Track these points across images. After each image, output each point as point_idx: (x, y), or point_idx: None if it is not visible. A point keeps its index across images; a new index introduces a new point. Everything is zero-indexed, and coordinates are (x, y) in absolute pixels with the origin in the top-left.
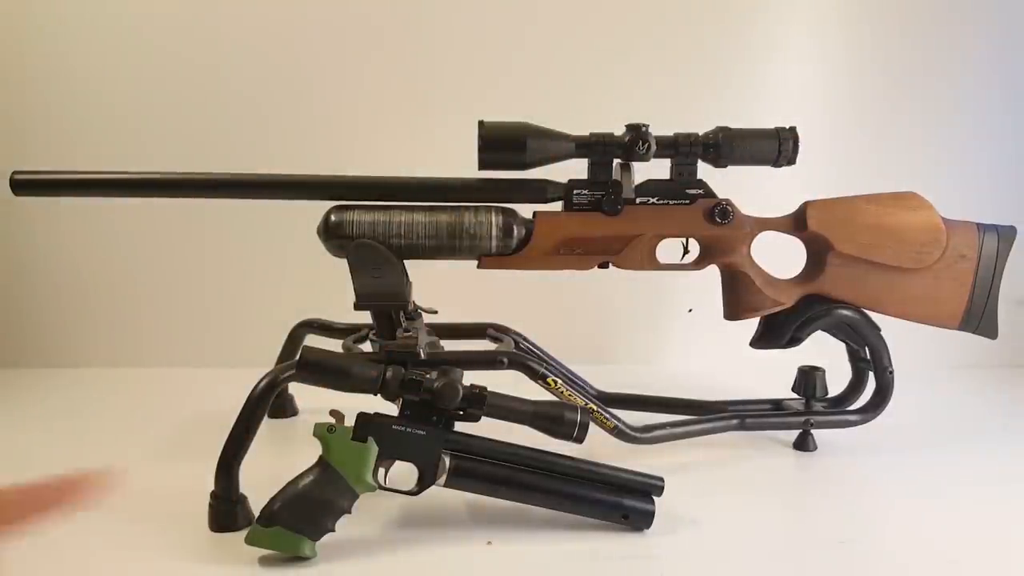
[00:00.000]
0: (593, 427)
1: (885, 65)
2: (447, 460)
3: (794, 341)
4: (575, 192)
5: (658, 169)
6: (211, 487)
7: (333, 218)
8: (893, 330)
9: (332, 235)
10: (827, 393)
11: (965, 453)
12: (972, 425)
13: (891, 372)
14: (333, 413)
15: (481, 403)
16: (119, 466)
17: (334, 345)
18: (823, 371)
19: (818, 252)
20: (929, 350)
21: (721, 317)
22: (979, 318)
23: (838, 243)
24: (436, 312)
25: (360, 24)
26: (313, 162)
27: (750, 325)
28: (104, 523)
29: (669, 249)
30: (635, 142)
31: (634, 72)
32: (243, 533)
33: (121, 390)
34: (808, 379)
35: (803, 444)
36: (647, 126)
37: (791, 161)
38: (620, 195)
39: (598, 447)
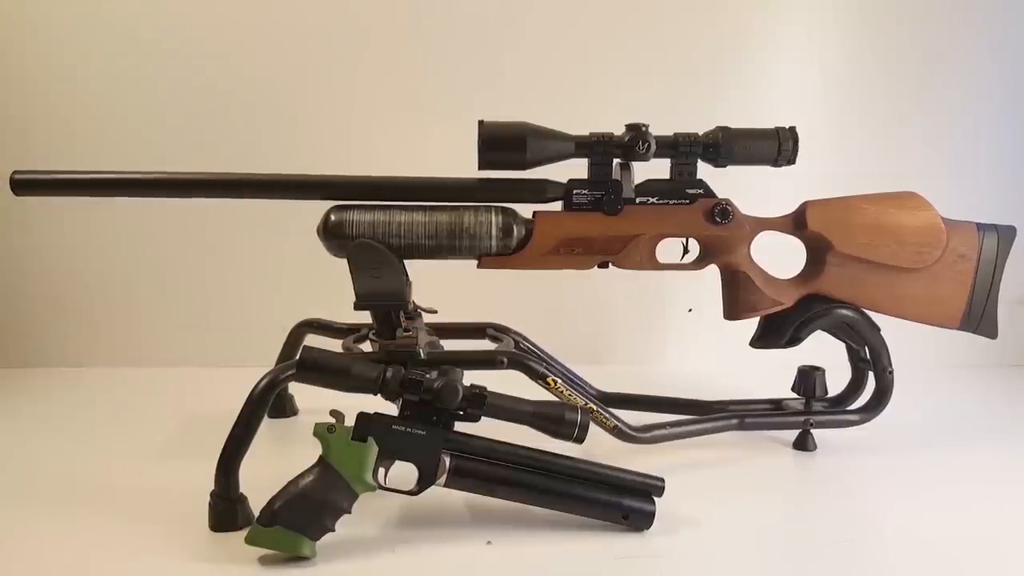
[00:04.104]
0: (593, 427)
1: (885, 65)
2: (447, 460)
3: (794, 341)
4: (575, 192)
5: (658, 169)
6: (211, 487)
7: (333, 218)
8: (893, 330)
9: (332, 235)
10: (827, 393)
11: (965, 453)
12: (972, 425)
13: (891, 372)
14: (333, 413)
15: (481, 403)
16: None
17: (334, 345)
18: (823, 371)
19: (818, 252)
20: (929, 350)
21: (721, 317)
22: (979, 318)
23: (838, 243)
24: (436, 312)
25: (360, 24)
26: (313, 162)
27: (750, 325)
28: (105, 523)
29: (669, 249)
30: (635, 142)
31: (634, 72)
32: (243, 533)
33: (121, 390)
34: (808, 379)
35: (803, 444)
36: (647, 126)
37: (791, 161)
38: (620, 195)
39: (598, 447)
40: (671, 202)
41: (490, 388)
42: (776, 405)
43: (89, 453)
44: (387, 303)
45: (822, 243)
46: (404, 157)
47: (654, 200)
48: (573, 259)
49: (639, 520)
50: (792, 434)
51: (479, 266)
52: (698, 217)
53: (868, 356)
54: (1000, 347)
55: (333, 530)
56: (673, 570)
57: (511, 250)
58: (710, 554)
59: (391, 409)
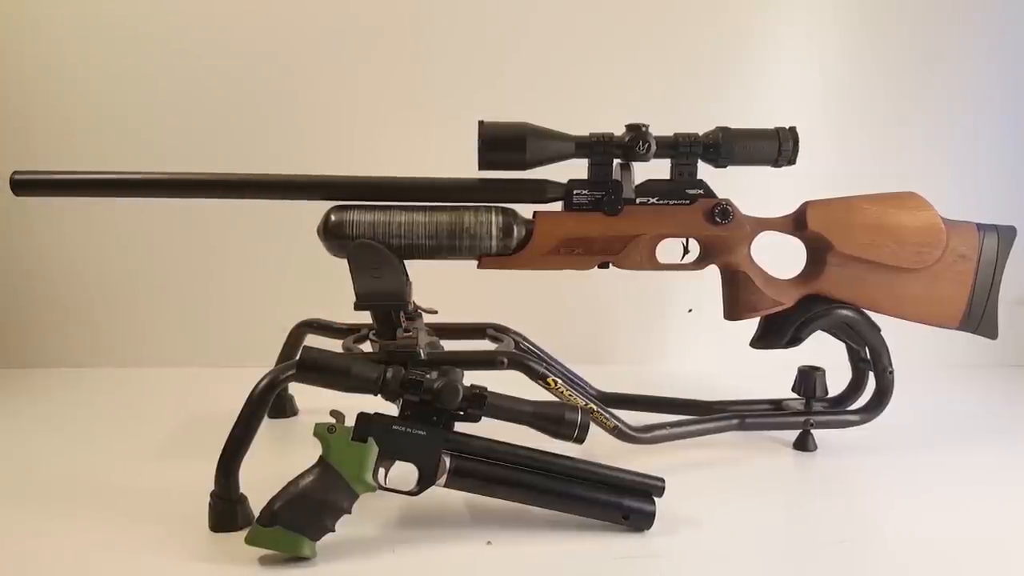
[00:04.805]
0: (593, 427)
1: (885, 65)
2: (447, 460)
3: (794, 341)
4: (575, 192)
5: (658, 169)
6: (211, 487)
7: (333, 218)
8: (893, 330)
9: (332, 235)
10: (827, 393)
11: (965, 453)
12: (972, 425)
13: (891, 372)
14: (333, 413)
15: (481, 403)
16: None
17: (334, 345)
18: (823, 371)
19: (818, 252)
20: (929, 350)
21: (721, 317)
22: (979, 318)
23: (838, 243)
24: (436, 312)
25: (360, 24)
26: (313, 162)
27: (750, 325)
28: (105, 523)
29: (669, 249)
30: (635, 142)
31: (634, 72)
32: (243, 533)
33: (121, 390)
34: (808, 379)
35: (803, 444)
36: (647, 126)
37: (791, 161)
38: (620, 195)
39: (598, 447)
40: (671, 202)
41: (490, 388)
42: (776, 405)
43: (89, 453)
44: (387, 303)
45: (822, 243)
46: (404, 157)
47: (654, 200)
48: (573, 259)
49: (639, 520)
50: (792, 434)
51: (479, 266)
52: (698, 217)
53: (868, 356)
54: (1000, 347)
55: (333, 530)
56: (673, 570)
57: (511, 250)
58: (710, 554)
59: (391, 409)
